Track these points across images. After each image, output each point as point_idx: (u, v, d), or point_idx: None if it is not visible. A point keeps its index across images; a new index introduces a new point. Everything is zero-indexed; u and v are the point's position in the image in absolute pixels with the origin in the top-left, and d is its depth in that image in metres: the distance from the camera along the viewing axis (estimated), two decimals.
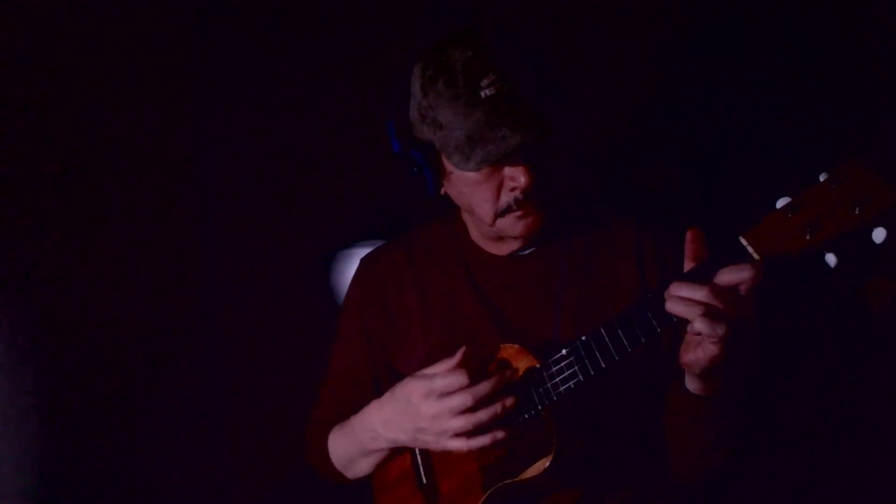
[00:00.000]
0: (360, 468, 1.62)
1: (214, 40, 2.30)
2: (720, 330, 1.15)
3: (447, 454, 1.50)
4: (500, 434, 1.37)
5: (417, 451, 1.57)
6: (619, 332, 1.29)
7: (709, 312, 1.15)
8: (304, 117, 2.29)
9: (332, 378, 1.78)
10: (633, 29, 2.07)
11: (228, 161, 2.32)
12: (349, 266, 1.88)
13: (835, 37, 1.92)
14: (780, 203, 1.16)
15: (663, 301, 1.24)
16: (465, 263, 1.64)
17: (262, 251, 2.33)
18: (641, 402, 1.46)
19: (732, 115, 1.96)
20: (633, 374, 1.42)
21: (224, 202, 2.33)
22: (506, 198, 1.45)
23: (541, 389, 1.38)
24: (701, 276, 1.19)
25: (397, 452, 1.57)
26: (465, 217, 1.65)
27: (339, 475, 1.68)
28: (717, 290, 1.15)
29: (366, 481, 1.67)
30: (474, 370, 1.39)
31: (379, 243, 1.79)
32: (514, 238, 1.53)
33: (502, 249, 1.60)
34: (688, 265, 1.23)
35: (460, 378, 1.36)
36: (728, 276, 1.17)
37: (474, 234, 1.65)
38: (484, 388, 1.36)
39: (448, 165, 1.46)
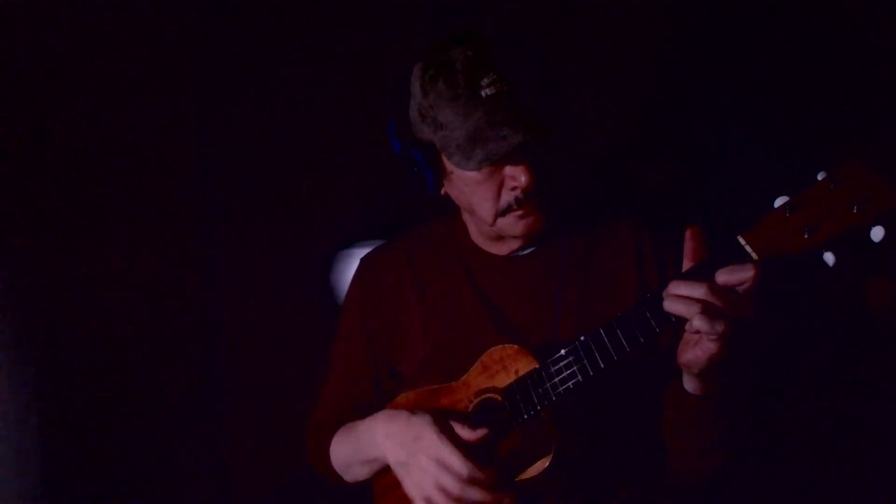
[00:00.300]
0: (359, 473, 1.62)
1: (214, 40, 2.30)
2: (719, 327, 1.15)
3: None
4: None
5: None
6: (618, 332, 1.30)
7: (707, 310, 1.15)
8: (304, 117, 2.29)
9: (332, 378, 1.78)
10: (633, 29, 2.07)
11: (228, 161, 2.32)
12: (349, 266, 1.89)
13: (834, 36, 1.92)
14: (779, 202, 1.16)
15: (662, 301, 1.24)
16: (464, 263, 1.64)
17: (262, 251, 2.33)
18: (640, 403, 1.46)
19: (731, 115, 1.96)
20: (632, 374, 1.42)
21: (224, 202, 2.33)
22: (506, 197, 1.45)
23: (540, 390, 1.38)
24: (700, 275, 1.20)
25: None
26: (465, 217, 1.65)
27: (338, 476, 1.68)
28: (715, 289, 1.16)
29: (366, 481, 1.67)
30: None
31: (379, 243, 1.79)
32: (515, 238, 1.53)
33: (502, 249, 1.60)
34: (686, 264, 1.23)
35: (466, 469, 1.34)
36: (727, 275, 1.17)
37: (474, 234, 1.65)
38: (476, 495, 1.35)
39: (448, 165, 1.47)
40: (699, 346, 1.21)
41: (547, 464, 1.35)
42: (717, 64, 1.97)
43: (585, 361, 1.33)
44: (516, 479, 1.39)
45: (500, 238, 1.57)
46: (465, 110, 1.38)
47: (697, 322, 1.15)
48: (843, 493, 1.89)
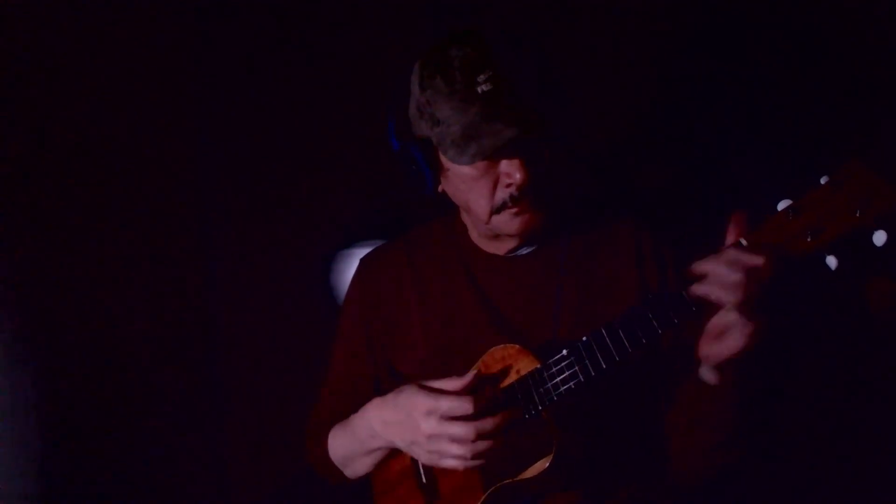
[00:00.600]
0: (359, 466, 1.62)
1: (214, 40, 2.30)
2: (753, 323, 1.15)
3: None
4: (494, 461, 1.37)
5: None
6: (620, 332, 1.30)
7: (746, 304, 1.14)
8: (304, 117, 2.29)
9: (332, 378, 1.78)
10: (633, 29, 2.07)
11: (228, 161, 2.32)
12: (349, 266, 1.88)
13: (837, 37, 1.92)
14: (782, 205, 1.16)
15: (664, 302, 1.25)
16: (464, 263, 1.64)
17: (262, 251, 2.33)
18: (642, 403, 1.46)
19: (734, 117, 1.96)
20: (633, 374, 1.42)
21: (224, 202, 2.33)
22: (501, 194, 1.45)
23: (541, 389, 1.38)
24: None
25: (397, 451, 1.57)
26: (464, 216, 1.65)
27: (339, 474, 1.68)
28: (753, 272, 1.14)
29: (366, 481, 1.67)
30: (481, 394, 1.38)
31: (379, 243, 1.79)
32: (510, 236, 1.53)
33: (500, 248, 1.60)
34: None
35: (465, 405, 1.34)
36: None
37: (473, 234, 1.65)
38: (488, 424, 1.34)
39: (445, 162, 1.47)
40: (725, 339, 1.20)
41: (548, 464, 1.35)
42: (719, 64, 1.97)
43: (587, 361, 1.33)
44: (517, 479, 1.40)
45: (497, 237, 1.57)
46: (461, 106, 1.38)
47: (733, 316, 1.15)
48: (843, 493, 1.89)
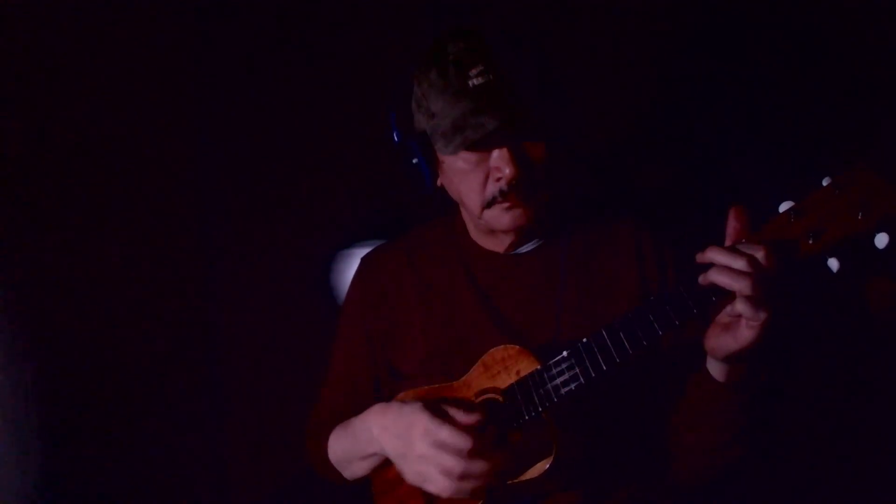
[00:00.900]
0: (357, 469, 1.62)
1: (214, 40, 2.30)
2: (763, 314, 1.14)
3: None
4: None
5: None
6: (621, 334, 1.30)
7: (754, 294, 1.13)
8: (304, 117, 2.29)
9: (332, 378, 1.78)
10: (633, 29, 2.07)
11: (228, 161, 2.32)
12: (349, 266, 1.89)
13: (840, 38, 1.92)
14: (784, 207, 1.16)
15: (665, 303, 1.24)
16: (464, 262, 1.64)
17: (262, 251, 2.33)
18: (642, 404, 1.46)
19: (735, 118, 1.96)
20: (634, 375, 1.42)
21: (224, 202, 2.33)
22: (491, 188, 1.46)
23: (541, 391, 1.38)
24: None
25: None
26: (463, 213, 1.66)
27: (338, 475, 1.68)
28: (765, 261, 1.14)
29: (366, 481, 1.67)
30: (484, 431, 1.37)
31: (379, 243, 1.79)
32: (503, 232, 1.54)
33: (499, 246, 1.61)
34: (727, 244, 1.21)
35: (464, 441, 1.33)
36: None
37: (472, 231, 1.65)
38: (477, 467, 1.33)
39: (440, 155, 1.49)
40: (733, 332, 1.20)
41: (548, 465, 1.35)
42: (719, 64, 1.97)
43: (587, 363, 1.33)
44: (517, 480, 1.39)
45: (492, 233, 1.57)
46: (452, 99, 1.40)
47: (741, 307, 1.14)
48: (843, 493, 1.89)
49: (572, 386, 1.35)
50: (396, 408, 1.45)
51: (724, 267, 1.15)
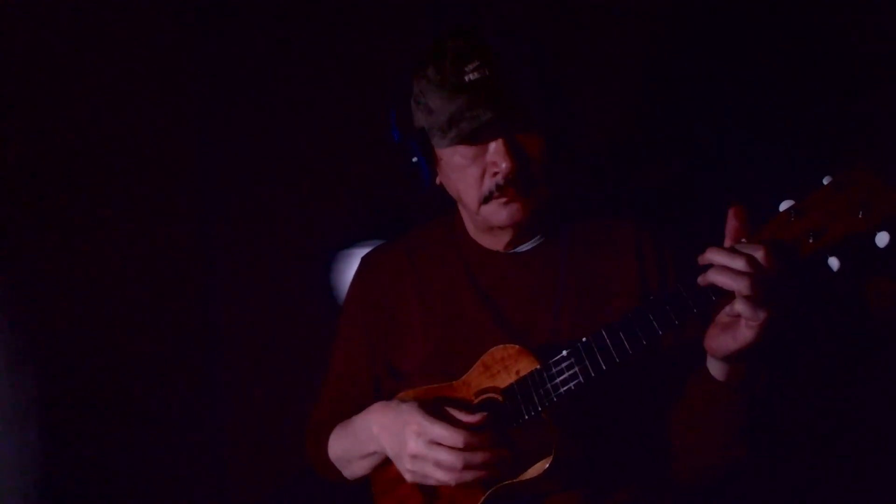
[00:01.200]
0: (357, 468, 1.62)
1: (214, 40, 2.30)
2: (762, 314, 1.14)
3: None
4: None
5: None
6: (621, 334, 1.30)
7: (753, 294, 1.13)
8: (304, 117, 2.29)
9: (332, 378, 1.78)
10: (633, 29, 2.07)
11: (228, 161, 2.32)
12: (349, 266, 1.89)
13: (842, 38, 1.92)
14: (784, 206, 1.16)
15: (665, 303, 1.24)
16: (464, 262, 1.64)
17: (262, 251, 2.33)
18: (642, 404, 1.46)
19: (737, 119, 1.96)
20: (634, 375, 1.42)
21: (224, 202, 2.33)
22: (489, 183, 1.47)
23: (541, 390, 1.38)
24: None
25: None
26: (461, 211, 1.66)
27: (338, 474, 1.68)
28: (764, 261, 1.14)
29: (366, 481, 1.67)
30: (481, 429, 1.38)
31: (379, 243, 1.79)
32: (501, 228, 1.54)
33: (498, 244, 1.61)
34: (727, 244, 1.21)
35: (456, 438, 1.35)
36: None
37: (471, 229, 1.66)
38: (477, 458, 1.35)
39: (438, 151, 1.50)
40: (732, 331, 1.20)
41: (547, 465, 1.35)
42: (721, 64, 1.97)
43: (587, 363, 1.33)
44: (517, 480, 1.39)
45: (491, 230, 1.58)
46: (449, 95, 1.41)
47: (740, 306, 1.14)
48: (844, 493, 1.89)
49: (572, 385, 1.35)
50: (395, 406, 1.46)
51: (723, 267, 1.15)
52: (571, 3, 2.12)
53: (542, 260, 1.59)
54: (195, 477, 2.32)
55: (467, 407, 1.45)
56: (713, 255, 1.17)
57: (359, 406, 1.57)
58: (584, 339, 1.34)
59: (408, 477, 1.42)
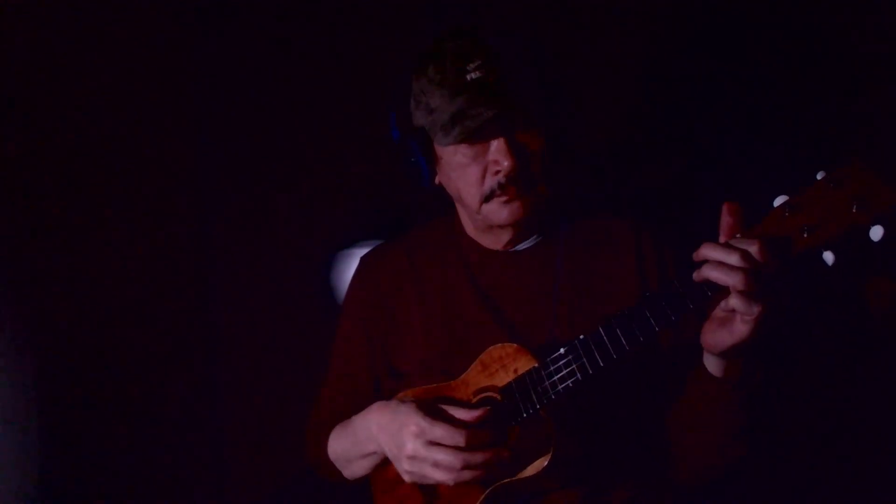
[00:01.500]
0: (357, 468, 1.62)
1: (214, 40, 2.30)
2: (756, 309, 1.14)
3: None
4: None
5: None
6: (618, 331, 1.30)
7: (747, 288, 1.13)
8: (304, 117, 2.29)
9: (332, 378, 1.78)
10: (632, 29, 2.07)
11: (228, 161, 2.32)
12: (349, 266, 1.89)
13: (832, 36, 1.92)
14: (778, 202, 1.16)
15: (662, 299, 1.24)
16: (464, 261, 1.64)
17: (262, 251, 2.33)
18: (640, 401, 1.46)
19: (731, 115, 1.96)
20: (632, 372, 1.42)
21: (224, 202, 2.33)
22: (490, 182, 1.47)
23: (539, 388, 1.38)
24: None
25: None
26: (460, 210, 1.66)
27: (338, 474, 1.68)
28: (758, 256, 1.14)
29: (366, 480, 1.67)
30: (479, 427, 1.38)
31: (379, 243, 1.79)
32: (501, 227, 1.54)
33: (497, 243, 1.61)
34: (721, 240, 1.20)
35: (457, 437, 1.35)
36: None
37: (470, 228, 1.66)
38: (477, 458, 1.35)
39: (439, 150, 1.51)
40: (728, 326, 1.20)
41: (546, 462, 1.35)
42: (716, 63, 1.97)
43: (585, 360, 1.33)
44: (516, 478, 1.39)
45: (491, 229, 1.58)
46: (450, 93, 1.42)
47: (735, 301, 1.14)
48: (844, 493, 1.88)
49: (570, 383, 1.35)
50: (394, 407, 1.46)
51: (718, 262, 1.15)
52: (571, 3, 2.12)
53: (542, 259, 1.59)
54: (195, 477, 2.32)
55: (466, 406, 1.45)
56: (707, 251, 1.17)
57: (358, 406, 1.57)
58: (581, 337, 1.34)
59: (406, 478, 1.42)
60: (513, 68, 1.41)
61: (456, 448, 1.34)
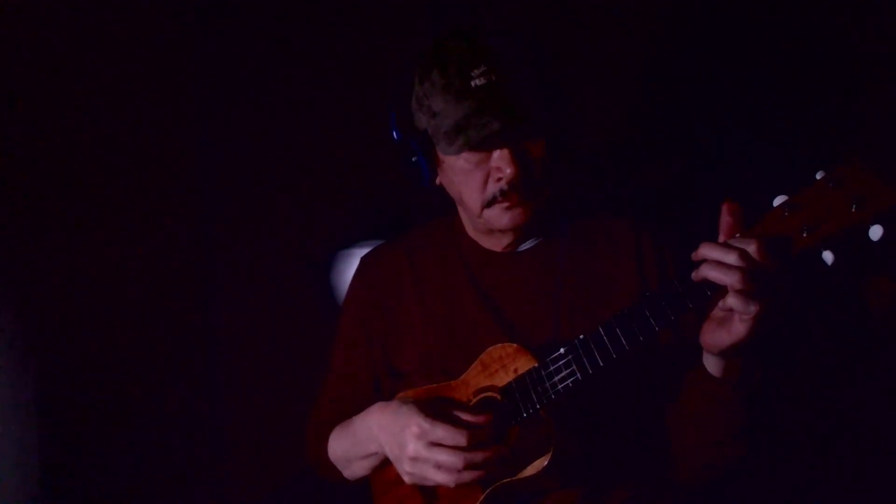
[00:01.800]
0: (357, 469, 1.62)
1: (214, 40, 2.30)
2: (753, 308, 1.14)
3: None
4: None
5: None
6: (618, 330, 1.29)
7: (745, 288, 1.13)
8: (304, 117, 2.29)
9: (332, 378, 1.78)
10: (632, 29, 2.07)
11: (228, 161, 2.32)
12: (349, 266, 1.89)
13: (832, 36, 1.92)
14: (778, 202, 1.16)
15: (661, 299, 1.24)
16: (464, 261, 1.64)
17: (262, 251, 2.33)
18: (640, 401, 1.46)
19: (731, 115, 1.96)
20: (632, 372, 1.42)
21: (224, 202, 2.33)
22: (492, 188, 1.47)
23: (539, 388, 1.38)
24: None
25: None
26: (461, 211, 1.66)
27: (338, 475, 1.68)
28: (757, 254, 1.14)
29: (365, 481, 1.67)
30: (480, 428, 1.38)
31: (379, 243, 1.79)
32: (501, 231, 1.54)
33: (497, 244, 1.61)
34: (721, 240, 1.20)
35: (459, 438, 1.34)
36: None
37: (470, 229, 1.66)
38: (478, 457, 1.34)
39: (440, 154, 1.50)
40: (727, 326, 1.20)
41: (546, 462, 1.35)
42: (716, 63, 1.97)
43: (584, 360, 1.33)
44: (516, 478, 1.39)
45: (491, 232, 1.58)
46: (454, 99, 1.41)
47: (732, 301, 1.14)
48: (844, 493, 1.88)
49: (569, 382, 1.35)
50: (394, 407, 1.46)
51: (716, 262, 1.15)
52: (571, 3, 2.12)
53: (542, 259, 1.59)
54: (195, 477, 2.32)
55: (466, 407, 1.45)
56: (706, 251, 1.17)
57: (359, 406, 1.57)
58: (580, 337, 1.34)
59: (406, 479, 1.41)
60: (517, 74, 1.40)
61: (457, 448, 1.34)
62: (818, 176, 1.13)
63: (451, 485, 1.35)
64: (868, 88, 1.88)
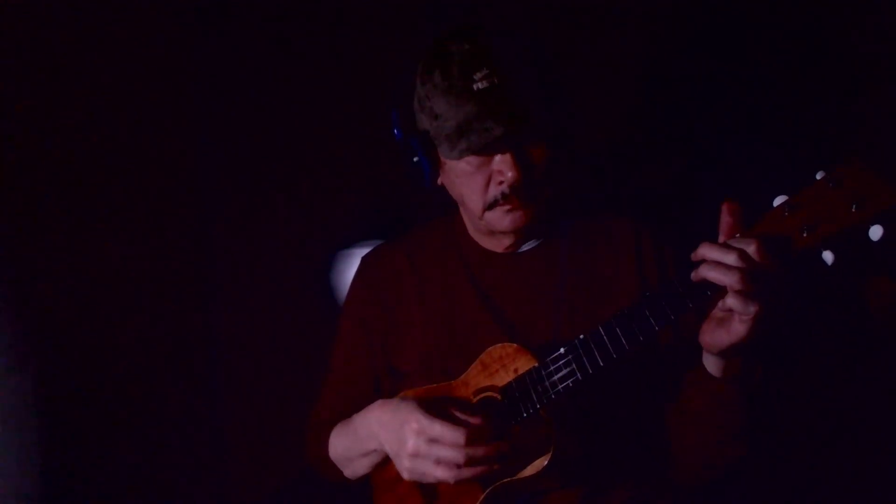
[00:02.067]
0: (358, 467, 1.62)
1: (214, 40, 2.30)
2: (752, 308, 1.14)
3: None
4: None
5: None
6: (618, 330, 1.30)
7: (744, 288, 1.13)
8: (304, 117, 2.29)
9: (332, 378, 1.78)
10: (632, 29, 2.07)
11: (228, 161, 2.32)
12: (349, 266, 1.89)
13: (832, 36, 1.92)
14: (778, 202, 1.16)
15: (661, 299, 1.24)
16: (464, 261, 1.65)
17: (262, 251, 2.33)
18: (640, 401, 1.46)
19: (731, 115, 1.96)
20: (632, 372, 1.42)
21: (224, 202, 2.33)
22: (493, 191, 1.47)
23: (539, 388, 1.38)
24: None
25: None
26: (462, 212, 1.66)
27: (339, 474, 1.68)
28: (755, 255, 1.14)
29: (366, 481, 1.67)
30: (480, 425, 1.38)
31: (379, 243, 1.79)
32: (502, 233, 1.54)
33: (498, 245, 1.61)
34: (721, 240, 1.20)
35: (458, 436, 1.34)
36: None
37: (471, 230, 1.66)
38: (479, 451, 1.34)
39: (441, 155, 1.49)
40: (726, 326, 1.20)
41: (546, 462, 1.35)
42: (716, 64, 1.97)
43: (584, 360, 1.33)
44: (516, 478, 1.39)
45: (492, 233, 1.58)
46: (456, 102, 1.40)
47: (731, 301, 1.14)
48: (844, 493, 1.89)
49: (569, 382, 1.35)
50: (395, 405, 1.46)
51: (715, 262, 1.15)
52: (571, 3, 2.12)
53: (542, 260, 1.59)
54: (195, 477, 2.32)
55: (466, 406, 1.45)
56: (705, 251, 1.17)
57: (359, 406, 1.57)
58: (581, 337, 1.34)
59: (406, 476, 1.41)
60: (518, 76, 1.40)
61: (457, 445, 1.34)
62: (818, 176, 1.13)
63: (451, 481, 1.35)
64: (868, 88, 1.88)
